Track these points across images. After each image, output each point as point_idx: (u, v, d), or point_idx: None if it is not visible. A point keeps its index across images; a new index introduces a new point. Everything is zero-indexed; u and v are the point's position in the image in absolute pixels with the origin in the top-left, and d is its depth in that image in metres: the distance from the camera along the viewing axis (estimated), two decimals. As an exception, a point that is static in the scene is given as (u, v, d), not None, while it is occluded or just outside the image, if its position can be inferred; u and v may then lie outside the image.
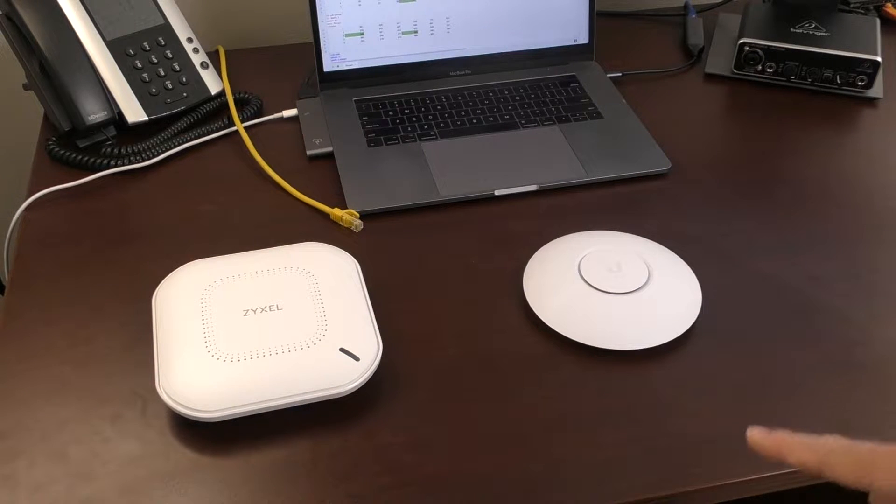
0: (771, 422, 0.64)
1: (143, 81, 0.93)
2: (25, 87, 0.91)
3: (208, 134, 0.94)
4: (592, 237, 0.77)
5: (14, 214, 0.83)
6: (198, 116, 0.96)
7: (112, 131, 0.92)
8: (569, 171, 0.88)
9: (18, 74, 0.91)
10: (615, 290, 0.71)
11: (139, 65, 0.93)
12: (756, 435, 0.50)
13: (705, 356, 0.70)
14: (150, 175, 0.89)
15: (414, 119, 0.95)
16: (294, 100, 0.99)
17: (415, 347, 0.70)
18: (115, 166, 0.88)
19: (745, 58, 1.03)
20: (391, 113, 0.96)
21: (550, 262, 0.75)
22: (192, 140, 0.92)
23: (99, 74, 0.90)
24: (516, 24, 1.01)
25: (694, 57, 1.09)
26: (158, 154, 0.90)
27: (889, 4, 1.16)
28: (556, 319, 0.71)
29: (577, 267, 0.73)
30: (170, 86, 0.94)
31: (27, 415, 0.64)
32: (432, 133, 0.93)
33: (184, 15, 0.99)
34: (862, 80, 1.00)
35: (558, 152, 0.91)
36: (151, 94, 0.93)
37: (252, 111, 0.97)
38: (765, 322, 0.73)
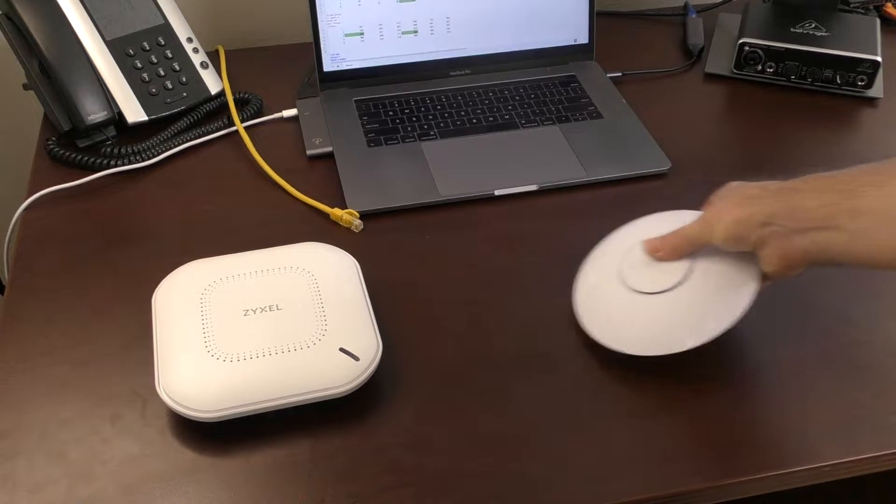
0: (771, 421, 0.64)
1: (143, 81, 0.93)
2: (25, 87, 0.91)
3: (208, 134, 0.94)
4: (627, 234, 0.75)
5: (14, 214, 0.83)
6: (198, 116, 0.96)
7: (112, 131, 0.92)
8: (569, 171, 0.88)
9: (18, 74, 0.90)
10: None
11: (139, 65, 0.93)
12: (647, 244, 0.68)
13: (704, 356, 0.69)
14: (150, 175, 0.89)
15: (414, 119, 0.95)
16: (294, 100, 0.99)
17: (415, 347, 0.70)
18: (115, 166, 0.88)
19: (745, 58, 1.03)
20: (391, 113, 0.96)
21: (598, 264, 0.73)
22: (191, 140, 0.92)
23: (99, 74, 0.90)
24: (516, 24, 1.01)
25: (694, 57, 1.09)
26: (158, 154, 0.90)
27: (889, 4, 1.16)
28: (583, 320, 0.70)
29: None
30: (170, 86, 0.94)
31: (27, 415, 0.64)
32: (432, 133, 0.93)
33: (184, 15, 0.99)
34: (862, 80, 1.00)
35: (558, 152, 0.91)
36: (151, 94, 0.93)
37: (252, 111, 0.97)
38: (765, 322, 0.72)
